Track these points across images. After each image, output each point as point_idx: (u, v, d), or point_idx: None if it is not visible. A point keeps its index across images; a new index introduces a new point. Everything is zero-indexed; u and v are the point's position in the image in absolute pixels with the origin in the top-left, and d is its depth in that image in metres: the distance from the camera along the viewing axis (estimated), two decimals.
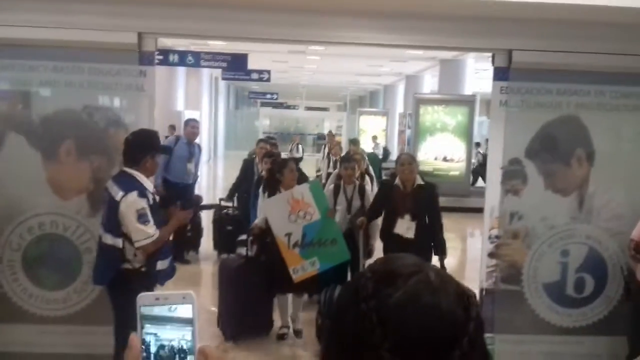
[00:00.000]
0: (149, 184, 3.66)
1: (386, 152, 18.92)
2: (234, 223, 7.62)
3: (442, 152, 14.03)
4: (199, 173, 8.43)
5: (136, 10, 3.92)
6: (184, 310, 0.81)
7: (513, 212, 4.33)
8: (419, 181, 5.23)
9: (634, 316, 4.11)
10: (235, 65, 12.88)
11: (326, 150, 13.30)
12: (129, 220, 3.51)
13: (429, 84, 20.32)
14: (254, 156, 7.86)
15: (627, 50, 4.15)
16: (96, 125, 3.99)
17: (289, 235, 4.89)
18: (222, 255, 7.69)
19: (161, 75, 15.87)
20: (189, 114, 17.40)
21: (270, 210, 5.05)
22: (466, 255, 9.80)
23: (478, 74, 16.22)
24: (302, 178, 6.09)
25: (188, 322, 0.81)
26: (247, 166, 7.76)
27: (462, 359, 0.77)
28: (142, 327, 0.81)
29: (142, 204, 3.52)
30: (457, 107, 14.16)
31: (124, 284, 3.55)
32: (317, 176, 12.30)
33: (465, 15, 4.05)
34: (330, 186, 5.99)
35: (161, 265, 3.69)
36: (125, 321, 3.48)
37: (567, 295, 4.43)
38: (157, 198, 3.89)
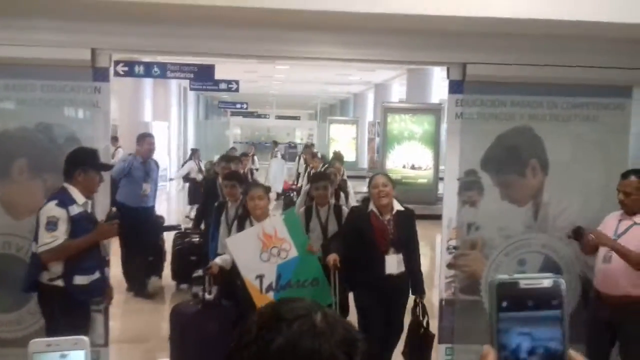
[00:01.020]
0: (80, 197, 3.68)
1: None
2: (198, 252, 6.56)
3: (410, 160, 14.16)
4: (156, 193, 7.44)
5: (89, 26, 3.89)
6: (77, 357, 0.80)
7: (470, 222, 4.39)
8: (398, 206, 4.36)
9: (591, 323, 4.18)
10: (203, 75, 12.84)
11: (301, 161, 12.92)
12: (39, 226, 3.58)
13: (398, 92, 20.52)
14: (217, 173, 7.05)
15: (578, 62, 4.25)
16: (50, 143, 3.93)
17: (260, 277, 4.15)
18: (182, 285, 6.95)
19: (127, 86, 15.73)
20: (156, 125, 17.28)
21: (237, 248, 4.24)
22: (434, 264, 9.88)
23: (445, 83, 16.41)
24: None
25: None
26: (209, 187, 6.95)
27: None
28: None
29: (55, 212, 3.55)
30: (424, 116, 14.32)
31: (46, 298, 3.65)
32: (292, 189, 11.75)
33: (419, 29, 4.10)
34: (300, 209, 5.26)
35: (80, 280, 3.64)
36: (53, 333, 3.46)
37: None
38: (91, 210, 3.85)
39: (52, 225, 3.52)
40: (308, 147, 15.32)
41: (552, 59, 4.22)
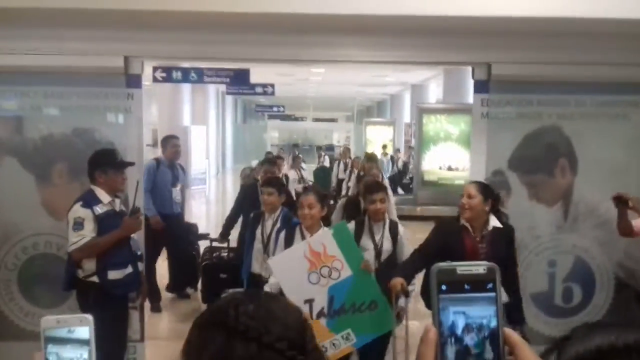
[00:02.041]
0: (105, 197, 3.82)
1: (403, 166, 17.79)
2: (229, 269, 5.75)
3: (446, 161, 14.05)
4: (184, 199, 6.99)
5: (122, 34, 4.05)
6: (82, 332, 0.90)
7: None
8: (495, 222, 3.76)
9: None
10: (238, 80, 13.05)
11: (341, 166, 12.56)
12: (68, 227, 3.76)
13: (435, 93, 20.37)
14: (257, 180, 6.29)
15: (605, 60, 4.20)
16: (86, 147, 4.10)
17: (310, 302, 3.63)
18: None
19: (166, 91, 16.12)
20: (195, 129, 17.64)
21: (282, 269, 3.74)
22: None
23: None
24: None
25: (85, 342, 0.90)
26: (247, 194, 6.12)
27: None
28: (46, 348, 0.89)
29: (81, 213, 3.71)
30: (459, 116, 14.19)
31: (83, 293, 3.80)
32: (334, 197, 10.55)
33: (444, 30, 4.11)
34: (351, 226, 4.26)
35: (114, 275, 3.79)
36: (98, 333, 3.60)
37: (555, 304, 4.46)
38: (120, 208, 3.96)
39: (78, 225, 3.69)
40: (348, 149, 14.78)
41: (578, 57, 4.18)
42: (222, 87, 19.57)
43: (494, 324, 0.76)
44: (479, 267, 0.78)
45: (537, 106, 4.33)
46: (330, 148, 30.05)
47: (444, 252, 3.55)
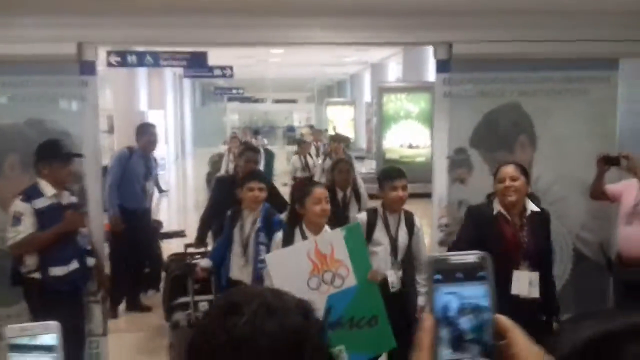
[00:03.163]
0: (49, 190, 3.70)
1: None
2: (203, 280, 4.45)
3: (407, 139, 14.18)
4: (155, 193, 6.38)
5: (75, 20, 3.91)
6: (47, 339, 0.88)
7: (460, 200, 4.43)
8: (532, 206, 3.49)
9: (616, 288, 4.20)
10: (196, 63, 12.77)
11: (311, 149, 10.43)
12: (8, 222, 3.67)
13: (394, 71, 20.44)
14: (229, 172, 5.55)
15: (564, 36, 4.26)
16: (40, 138, 3.95)
17: None
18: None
19: (121, 76, 15.71)
20: (152, 114, 17.29)
21: (279, 267, 3.25)
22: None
23: None
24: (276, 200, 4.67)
25: (51, 349, 0.89)
26: (222, 188, 5.20)
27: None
28: (11, 356, 0.88)
29: (19, 207, 3.62)
30: (419, 94, 14.31)
31: (27, 290, 3.72)
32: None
33: (404, 10, 4.11)
34: (362, 217, 3.91)
35: (57, 271, 3.68)
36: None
37: None
38: (69, 200, 3.83)
39: (15, 220, 3.60)
40: (319, 131, 13.48)
41: (537, 35, 4.24)
42: (180, 70, 19.21)
43: (486, 310, 0.80)
44: (471, 256, 0.82)
45: (497, 84, 4.37)
46: (291, 129, 29.97)
47: (481, 246, 3.01)
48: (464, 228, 3.64)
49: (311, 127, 14.05)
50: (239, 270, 4.01)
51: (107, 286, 4.27)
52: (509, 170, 3.45)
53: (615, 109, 4.50)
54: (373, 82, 20.59)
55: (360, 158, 16.99)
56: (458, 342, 0.79)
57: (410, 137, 14.18)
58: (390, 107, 14.27)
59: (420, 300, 3.72)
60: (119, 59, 11.43)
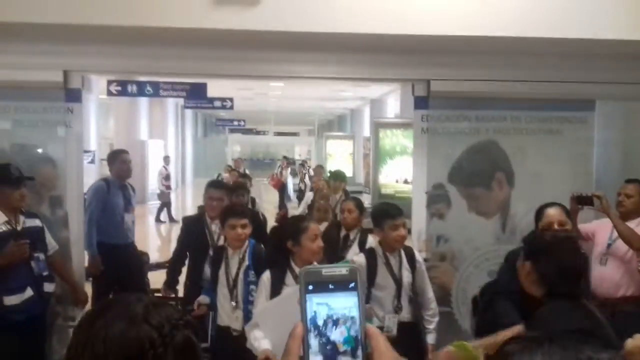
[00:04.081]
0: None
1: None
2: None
3: (402, 175, 14.25)
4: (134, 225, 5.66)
5: (61, 48, 4.01)
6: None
7: (439, 235, 4.48)
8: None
9: None
10: (195, 94, 12.94)
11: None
12: None
13: (393, 107, 20.62)
14: (201, 212, 4.94)
15: (542, 77, 4.37)
16: (24, 164, 4.01)
17: None
18: None
19: (123, 105, 15.94)
20: (153, 144, 17.46)
21: (270, 322, 2.92)
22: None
23: None
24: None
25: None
26: (190, 230, 4.72)
27: None
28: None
29: None
30: None
31: None
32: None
33: (383, 48, 4.21)
34: (359, 259, 3.72)
35: (11, 300, 3.60)
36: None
37: None
38: (25, 225, 3.77)
39: None
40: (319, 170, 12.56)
41: (514, 74, 4.34)
42: (181, 101, 19.46)
43: (355, 319, 0.84)
44: (342, 269, 0.86)
45: (474, 122, 4.46)
46: (291, 162, 30.08)
47: (522, 292, 2.68)
48: (502, 272, 3.42)
49: (320, 167, 13.70)
50: (227, 315, 3.73)
51: (85, 304, 4.21)
52: (555, 213, 3.27)
53: (591, 149, 4.57)
54: (372, 117, 20.77)
55: (358, 193, 17.03)
56: (328, 350, 0.82)
57: (405, 173, 14.25)
58: (387, 142, 14.39)
59: (430, 339, 3.59)
60: (119, 88, 11.59)
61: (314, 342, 0.82)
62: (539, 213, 3.41)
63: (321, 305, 0.84)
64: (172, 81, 12.62)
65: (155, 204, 16.69)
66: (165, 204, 15.14)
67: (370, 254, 3.69)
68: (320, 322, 0.83)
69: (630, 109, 4.90)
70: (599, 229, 4.07)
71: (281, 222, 5.19)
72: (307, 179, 16.85)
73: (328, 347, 0.82)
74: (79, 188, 4.24)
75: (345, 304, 0.84)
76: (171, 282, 4.78)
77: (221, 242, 4.17)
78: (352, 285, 0.85)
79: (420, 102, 4.40)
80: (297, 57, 4.40)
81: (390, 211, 3.72)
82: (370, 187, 15.11)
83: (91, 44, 4.05)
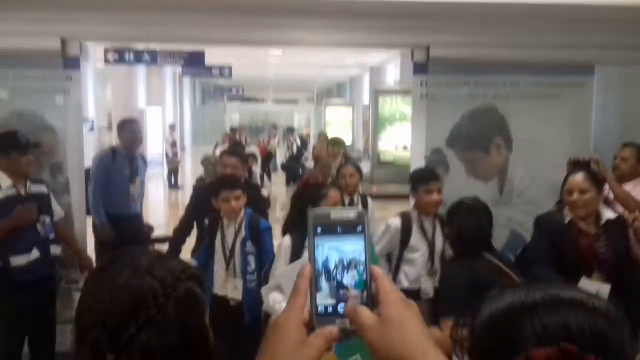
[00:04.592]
0: (5, 181, 3.70)
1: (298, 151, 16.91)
2: None
3: (401, 142, 14.26)
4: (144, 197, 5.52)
5: (59, 15, 4.00)
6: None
7: None
8: (609, 213, 3.31)
9: None
10: (193, 62, 12.88)
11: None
12: None
13: (393, 75, 20.48)
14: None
15: (541, 42, 4.35)
16: (24, 131, 4.03)
17: None
18: None
19: (121, 73, 15.80)
20: (151, 111, 17.39)
21: (292, 283, 1.99)
22: None
23: None
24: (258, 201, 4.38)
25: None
26: (201, 198, 4.32)
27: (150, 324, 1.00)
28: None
29: None
30: None
31: None
32: None
33: (383, 13, 4.20)
34: (395, 222, 3.75)
35: (18, 261, 3.67)
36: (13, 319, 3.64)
37: None
38: (30, 191, 3.81)
39: None
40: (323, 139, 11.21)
41: (513, 40, 4.32)
42: (179, 69, 19.31)
43: (362, 260, 0.85)
44: (350, 212, 0.87)
45: (473, 87, 4.46)
46: (290, 130, 29.99)
47: (554, 256, 3.15)
48: (535, 238, 3.48)
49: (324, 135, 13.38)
50: (222, 284, 3.68)
51: (91, 269, 4.23)
52: (579, 181, 3.24)
53: (590, 114, 4.58)
54: (372, 85, 20.67)
55: (358, 160, 17.05)
56: (335, 290, 0.83)
57: (404, 140, 14.26)
58: (386, 110, 14.37)
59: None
60: (116, 56, 11.50)
61: (325, 285, 0.83)
62: (565, 180, 3.41)
63: (332, 250, 0.84)
64: (169, 49, 12.55)
65: (155, 172, 16.74)
66: (173, 170, 15.43)
67: (405, 218, 3.74)
68: (331, 266, 0.84)
69: (629, 74, 4.89)
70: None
71: (304, 188, 5.15)
72: (294, 148, 16.87)
73: (340, 292, 0.83)
74: (79, 156, 4.27)
75: (354, 247, 0.85)
76: (175, 250, 4.40)
77: None
78: (359, 228, 0.85)
79: (420, 68, 4.39)
80: (297, 23, 4.38)
81: (425, 176, 3.78)
82: (370, 154, 15.13)
83: (89, 11, 4.04)
